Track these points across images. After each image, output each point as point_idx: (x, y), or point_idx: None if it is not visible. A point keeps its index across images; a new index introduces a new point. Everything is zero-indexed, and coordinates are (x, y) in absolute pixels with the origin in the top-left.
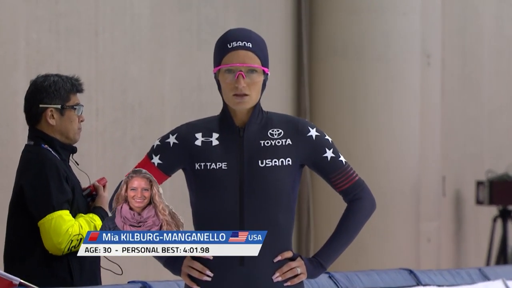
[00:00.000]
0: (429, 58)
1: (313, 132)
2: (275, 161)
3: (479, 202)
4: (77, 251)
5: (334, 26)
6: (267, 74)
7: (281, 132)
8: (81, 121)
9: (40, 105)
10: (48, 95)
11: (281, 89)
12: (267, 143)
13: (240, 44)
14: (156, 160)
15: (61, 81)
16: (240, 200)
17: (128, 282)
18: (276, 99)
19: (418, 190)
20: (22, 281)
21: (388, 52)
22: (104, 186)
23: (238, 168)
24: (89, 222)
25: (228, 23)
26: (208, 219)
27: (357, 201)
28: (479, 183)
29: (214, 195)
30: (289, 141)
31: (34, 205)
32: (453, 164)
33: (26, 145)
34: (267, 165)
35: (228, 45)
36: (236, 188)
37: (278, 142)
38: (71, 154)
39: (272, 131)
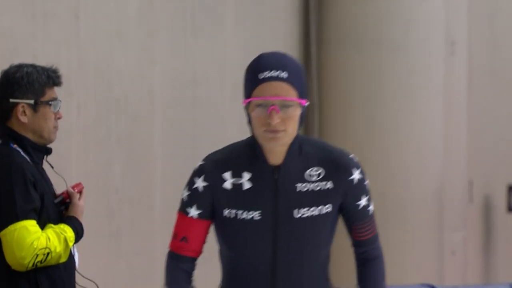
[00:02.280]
0: (453, 46)
1: (356, 175)
2: (313, 210)
3: (511, 209)
4: (46, 267)
5: (346, 11)
6: (305, 106)
7: (320, 173)
8: (58, 118)
9: (11, 100)
10: (20, 89)
11: None
12: (304, 187)
13: (274, 74)
14: (194, 212)
15: (35, 72)
16: (273, 256)
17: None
18: None
19: (442, 197)
20: None
21: (407, 41)
22: (80, 193)
23: (272, 219)
24: (59, 234)
25: (227, 8)
26: (238, 271)
27: (374, 263)
28: (511, 188)
29: (245, 248)
30: (329, 185)
31: None
32: (481, 167)
33: None
34: (303, 215)
35: (260, 75)
36: (269, 243)
37: (317, 186)
38: (45, 156)
39: (311, 171)
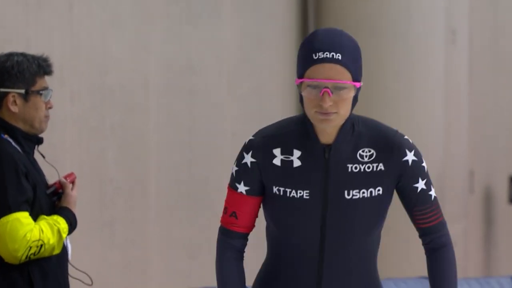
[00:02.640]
0: (454, 34)
1: (410, 156)
2: (363, 192)
3: None
4: (38, 259)
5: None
6: (359, 87)
7: (372, 154)
8: (49, 108)
9: (1, 89)
10: (10, 78)
11: (284, 73)
12: (355, 168)
13: (328, 55)
14: (242, 188)
15: (26, 61)
16: (321, 236)
17: None
18: (279, 84)
19: (442, 187)
20: None
21: (407, 29)
22: (73, 183)
23: (321, 199)
24: (52, 225)
25: None
26: (284, 251)
27: (441, 252)
28: None
29: (292, 227)
30: (381, 166)
31: None
32: (482, 157)
33: None
34: (354, 197)
35: (314, 55)
36: (317, 224)
37: (368, 167)
38: (36, 146)
39: (363, 151)
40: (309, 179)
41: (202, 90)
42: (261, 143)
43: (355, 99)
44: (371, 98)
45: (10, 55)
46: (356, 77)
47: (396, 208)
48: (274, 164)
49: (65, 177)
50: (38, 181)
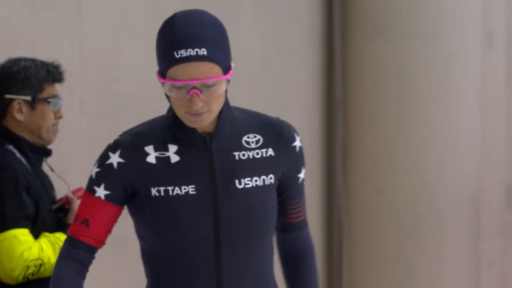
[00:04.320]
0: (490, 37)
1: (297, 142)
2: (256, 180)
3: None
4: (40, 279)
5: (374, 0)
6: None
7: (259, 139)
8: (59, 117)
9: (6, 96)
10: (16, 84)
11: (308, 77)
12: (243, 155)
13: (192, 53)
14: (101, 192)
15: (34, 66)
16: (215, 234)
17: None
18: (302, 88)
19: (478, 202)
20: None
21: (441, 32)
22: (82, 198)
23: (210, 191)
24: (54, 243)
25: None
26: (171, 264)
27: (307, 255)
28: None
29: (180, 231)
30: (270, 152)
31: None
32: None
33: None
34: (246, 185)
35: (175, 53)
36: (210, 219)
37: (257, 154)
38: (44, 158)
39: (248, 137)
40: (192, 172)
41: None
42: (130, 141)
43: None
44: (402, 107)
45: (17, 60)
46: (226, 67)
47: (426, 223)
48: (148, 163)
49: (73, 192)
50: (41, 195)
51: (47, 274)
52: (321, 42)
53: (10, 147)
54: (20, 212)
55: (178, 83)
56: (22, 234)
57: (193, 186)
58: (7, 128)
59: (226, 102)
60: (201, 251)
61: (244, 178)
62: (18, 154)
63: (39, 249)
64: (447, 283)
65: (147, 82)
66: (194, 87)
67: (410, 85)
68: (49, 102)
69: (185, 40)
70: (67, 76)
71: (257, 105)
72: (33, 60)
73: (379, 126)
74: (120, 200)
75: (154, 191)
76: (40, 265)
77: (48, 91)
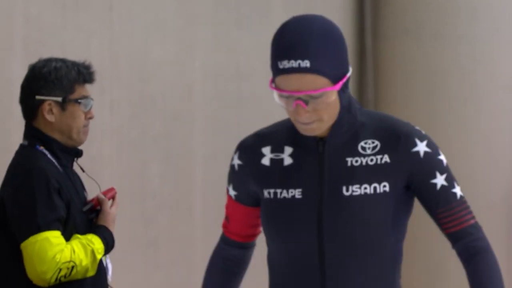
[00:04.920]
0: None
1: (421, 147)
2: (365, 188)
3: None
4: (71, 281)
5: (405, 1)
6: (348, 78)
7: (376, 145)
8: (90, 118)
9: (37, 97)
10: (47, 85)
11: None
12: (356, 161)
13: (294, 64)
14: (232, 191)
15: (64, 67)
16: (318, 241)
17: None
18: None
19: (511, 207)
20: None
21: (472, 31)
22: (113, 199)
23: (316, 197)
24: (86, 245)
25: None
26: (280, 266)
27: (479, 259)
28: None
29: (286, 236)
30: (386, 158)
31: (16, 224)
32: None
33: (20, 145)
34: (354, 193)
35: (279, 63)
36: (313, 226)
37: (372, 160)
38: (75, 158)
39: (365, 143)
40: (302, 176)
41: (251, 97)
42: (251, 142)
43: (344, 90)
44: (432, 105)
45: (48, 61)
46: (336, 77)
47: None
48: (262, 165)
49: (104, 193)
50: (73, 197)
51: (79, 276)
52: (353, 42)
53: (41, 148)
54: (51, 214)
55: (283, 93)
56: (54, 237)
57: (300, 190)
58: (37, 129)
59: (346, 106)
60: (304, 259)
61: (352, 185)
62: (49, 155)
63: (71, 251)
64: None
65: (177, 82)
66: (299, 98)
67: (441, 85)
68: (79, 103)
69: (288, 50)
70: (97, 76)
71: None
72: (64, 61)
73: None
74: (248, 201)
75: (266, 193)
76: (72, 267)
77: (78, 92)
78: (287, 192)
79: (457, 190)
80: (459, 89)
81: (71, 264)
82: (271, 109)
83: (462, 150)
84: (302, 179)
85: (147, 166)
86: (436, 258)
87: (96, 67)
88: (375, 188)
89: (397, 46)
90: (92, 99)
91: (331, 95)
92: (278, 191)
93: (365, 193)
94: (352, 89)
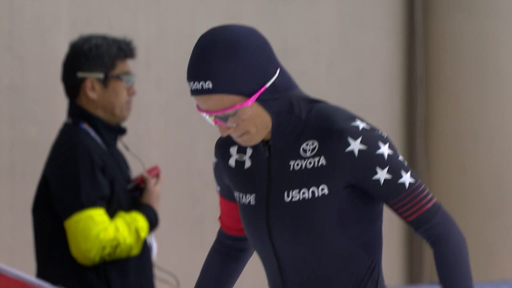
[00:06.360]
0: None
1: (354, 146)
2: (304, 193)
3: None
4: (115, 260)
5: None
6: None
7: (315, 146)
8: (132, 94)
9: (78, 74)
10: (88, 62)
11: (388, 54)
12: (297, 165)
13: (197, 86)
14: (217, 186)
15: (105, 44)
16: (272, 246)
17: None
18: (382, 66)
19: None
20: None
21: None
22: (157, 177)
23: (264, 203)
24: (130, 223)
25: None
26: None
27: (438, 247)
28: None
29: (250, 237)
30: (322, 160)
31: (59, 202)
32: None
33: (63, 123)
34: (293, 199)
35: (189, 84)
36: (265, 232)
37: (310, 163)
38: (118, 136)
39: (306, 144)
40: (255, 181)
41: (298, 75)
42: (222, 141)
43: (274, 92)
44: (485, 82)
45: (89, 38)
46: (250, 91)
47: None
48: (229, 166)
49: (148, 171)
50: (117, 175)
51: (123, 255)
52: (402, 18)
53: (85, 126)
54: (95, 192)
55: (200, 113)
56: (98, 215)
57: (253, 195)
58: (81, 107)
59: (284, 109)
60: (267, 260)
61: (293, 190)
62: (92, 134)
63: (114, 229)
64: (498, 264)
65: None
66: (216, 116)
67: (493, 62)
68: (121, 79)
69: (191, 71)
70: (144, 53)
71: (336, 82)
72: (104, 37)
73: (461, 104)
74: (228, 196)
75: (235, 195)
76: (116, 245)
77: (120, 68)
78: (245, 197)
79: (405, 178)
80: (511, 66)
81: (115, 242)
82: (318, 87)
83: None
84: (255, 185)
85: (194, 144)
86: (489, 240)
87: (143, 44)
88: (313, 192)
89: (448, 22)
90: (134, 74)
91: (246, 110)
92: (241, 195)
93: (303, 198)
94: (401, 68)
